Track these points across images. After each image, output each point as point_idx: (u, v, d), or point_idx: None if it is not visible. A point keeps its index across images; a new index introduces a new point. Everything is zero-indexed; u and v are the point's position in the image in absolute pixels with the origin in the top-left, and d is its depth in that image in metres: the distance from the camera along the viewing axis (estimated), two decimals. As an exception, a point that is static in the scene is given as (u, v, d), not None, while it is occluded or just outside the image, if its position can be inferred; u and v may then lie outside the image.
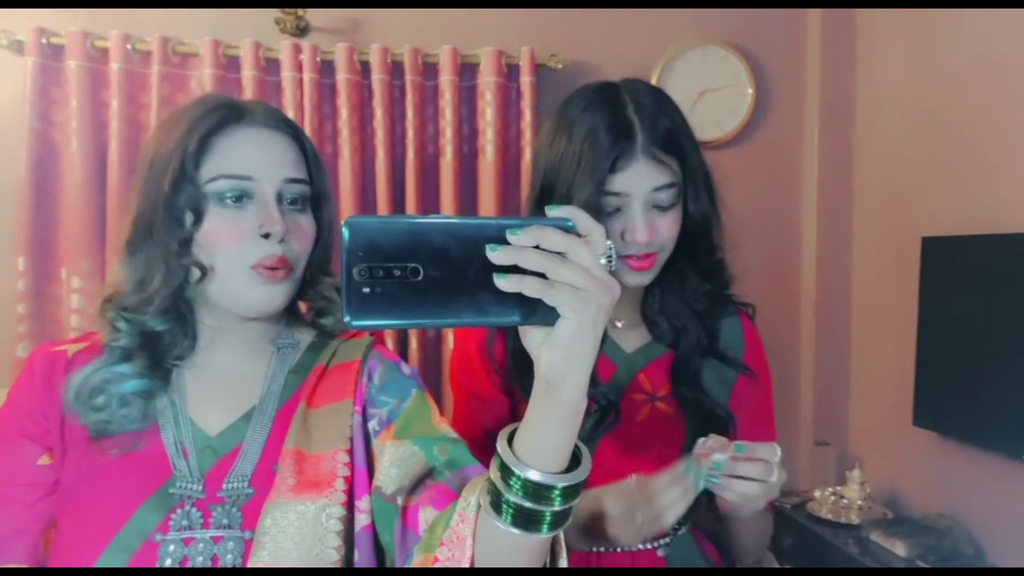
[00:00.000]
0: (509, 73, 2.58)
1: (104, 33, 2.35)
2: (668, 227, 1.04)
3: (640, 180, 0.99)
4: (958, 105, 2.28)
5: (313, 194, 0.89)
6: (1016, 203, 2.06)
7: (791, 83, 2.81)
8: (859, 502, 2.45)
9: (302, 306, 0.98)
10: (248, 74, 2.40)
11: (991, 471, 2.17)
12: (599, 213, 0.99)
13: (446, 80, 2.52)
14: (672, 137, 1.02)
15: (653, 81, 2.67)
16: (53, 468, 0.83)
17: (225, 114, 0.85)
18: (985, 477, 2.20)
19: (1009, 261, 1.99)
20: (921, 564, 2.13)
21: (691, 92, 2.72)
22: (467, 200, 2.58)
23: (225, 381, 0.88)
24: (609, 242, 0.59)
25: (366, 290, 0.53)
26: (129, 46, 2.36)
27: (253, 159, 0.83)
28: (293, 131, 0.89)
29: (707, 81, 2.73)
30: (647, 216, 1.01)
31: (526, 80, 2.55)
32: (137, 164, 2.43)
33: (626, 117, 1.00)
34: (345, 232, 0.54)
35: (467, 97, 2.60)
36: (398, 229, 0.54)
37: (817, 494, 2.54)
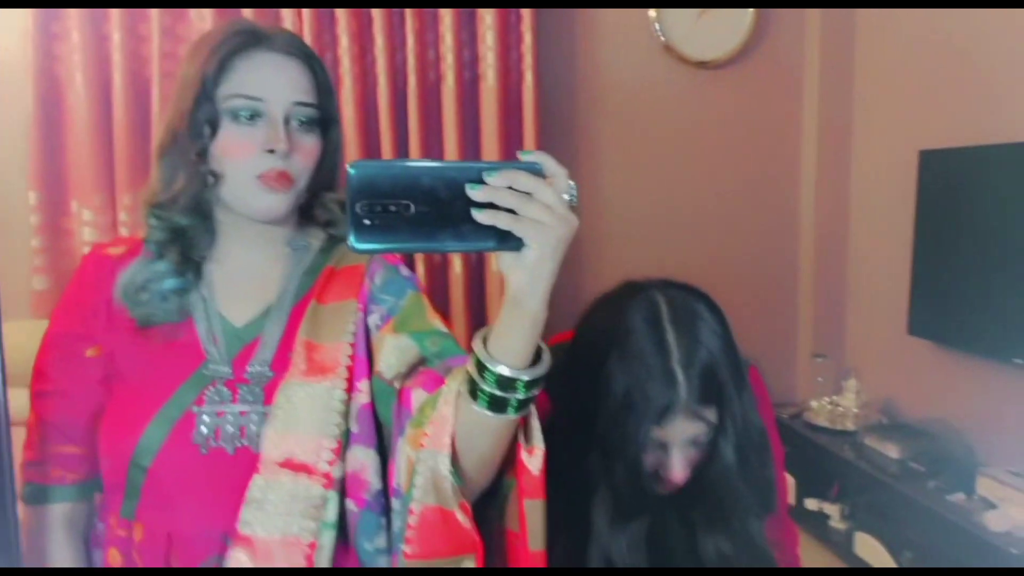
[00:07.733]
0: (507, -4, 2.56)
1: (102, -35, 2.34)
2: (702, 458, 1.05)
3: (678, 432, 1.00)
4: (961, 14, 2.29)
5: (321, 117, 0.98)
6: (1020, 113, 2.09)
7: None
8: (855, 410, 2.54)
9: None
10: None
11: (983, 376, 2.25)
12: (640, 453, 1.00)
13: (444, 4, 2.51)
14: (713, 385, 0.99)
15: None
16: (100, 359, 0.97)
17: (246, 39, 0.94)
18: (977, 382, 2.28)
19: (1009, 170, 2.03)
20: (913, 465, 2.23)
21: (690, 12, 2.71)
22: (469, 126, 2.61)
23: (247, 280, 1.01)
24: (572, 182, 0.69)
25: (366, 221, 0.66)
26: (127, -23, 2.36)
27: (266, 82, 0.93)
28: (308, 59, 0.98)
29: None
30: (684, 454, 1.01)
31: (525, 2, 2.55)
32: (140, 97, 2.45)
33: (670, 371, 0.98)
34: (350, 172, 0.65)
35: (467, 21, 2.59)
36: (393, 172, 0.67)
37: (814, 404, 2.63)
